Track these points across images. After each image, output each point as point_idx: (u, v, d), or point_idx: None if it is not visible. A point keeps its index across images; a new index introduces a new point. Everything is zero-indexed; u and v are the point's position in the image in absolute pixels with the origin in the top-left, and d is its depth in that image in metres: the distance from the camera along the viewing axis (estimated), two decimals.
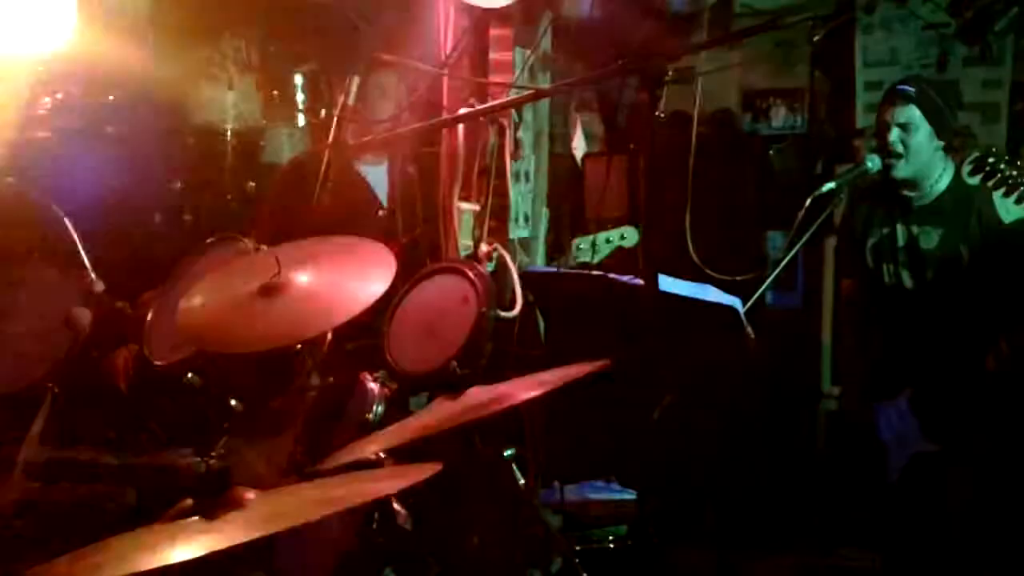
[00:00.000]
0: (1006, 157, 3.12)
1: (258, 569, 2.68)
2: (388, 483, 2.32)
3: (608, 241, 3.75)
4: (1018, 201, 3.13)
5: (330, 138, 3.75)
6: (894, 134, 3.53)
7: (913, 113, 3.50)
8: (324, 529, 2.75)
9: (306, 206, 3.58)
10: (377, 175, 4.07)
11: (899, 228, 3.63)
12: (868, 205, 3.75)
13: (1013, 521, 3.84)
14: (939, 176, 3.58)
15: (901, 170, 3.56)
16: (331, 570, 2.73)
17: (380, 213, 4.03)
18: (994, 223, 3.46)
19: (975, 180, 3.19)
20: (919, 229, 3.59)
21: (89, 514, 2.89)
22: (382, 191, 4.08)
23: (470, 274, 3.26)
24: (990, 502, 3.54)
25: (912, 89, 3.52)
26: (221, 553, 1.81)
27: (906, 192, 3.60)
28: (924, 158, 3.54)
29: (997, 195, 3.24)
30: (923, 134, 3.51)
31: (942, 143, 3.57)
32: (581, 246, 3.79)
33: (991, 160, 3.10)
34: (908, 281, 3.61)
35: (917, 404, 3.57)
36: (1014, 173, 3.08)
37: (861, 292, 3.83)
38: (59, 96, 4.48)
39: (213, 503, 1.99)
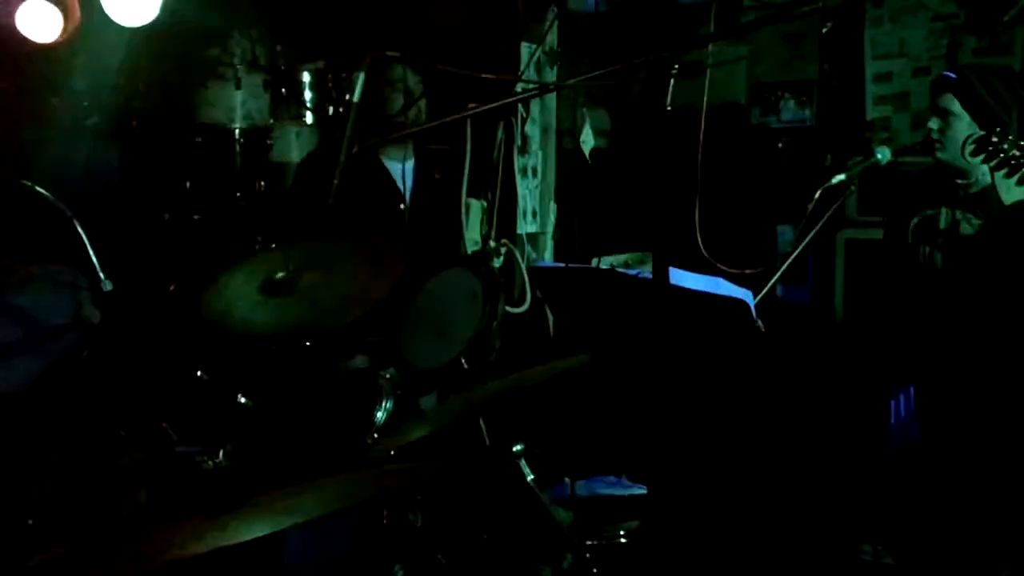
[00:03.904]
0: (1010, 137, 3.08)
1: (269, 565, 2.68)
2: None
3: None
4: (1020, 182, 3.09)
5: (347, 133, 3.74)
6: (933, 121, 3.55)
7: (952, 102, 3.48)
8: (335, 525, 2.76)
9: (327, 199, 3.57)
10: (397, 170, 4.04)
11: (943, 211, 3.62)
12: (919, 185, 3.73)
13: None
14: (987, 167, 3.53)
15: (940, 155, 3.57)
16: (341, 566, 2.73)
17: (402, 207, 4.02)
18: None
19: (976, 160, 3.16)
20: (962, 215, 3.58)
21: (101, 512, 2.89)
22: (404, 187, 4.06)
23: (479, 270, 3.26)
24: (1001, 493, 3.54)
25: (953, 77, 3.49)
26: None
27: (957, 180, 3.58)
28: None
29: (999, 176, 3.20)
30: (963, 123, 3.49)
31: None
32: None
33: (994, 139, 3.07)
34: (940, 264, 3.59)
35: (924, 392, 3.56)
36: (1016, 153, 3.05)
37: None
38: (67, 95, 4.49)
39: None
